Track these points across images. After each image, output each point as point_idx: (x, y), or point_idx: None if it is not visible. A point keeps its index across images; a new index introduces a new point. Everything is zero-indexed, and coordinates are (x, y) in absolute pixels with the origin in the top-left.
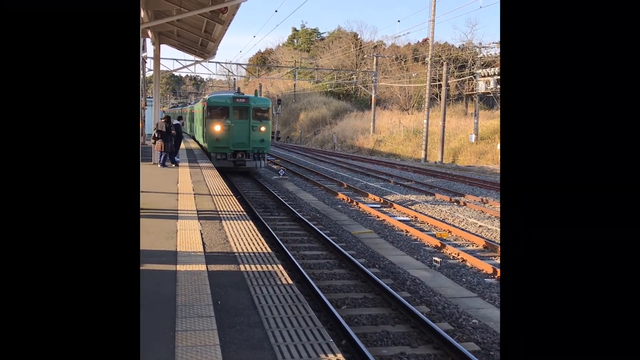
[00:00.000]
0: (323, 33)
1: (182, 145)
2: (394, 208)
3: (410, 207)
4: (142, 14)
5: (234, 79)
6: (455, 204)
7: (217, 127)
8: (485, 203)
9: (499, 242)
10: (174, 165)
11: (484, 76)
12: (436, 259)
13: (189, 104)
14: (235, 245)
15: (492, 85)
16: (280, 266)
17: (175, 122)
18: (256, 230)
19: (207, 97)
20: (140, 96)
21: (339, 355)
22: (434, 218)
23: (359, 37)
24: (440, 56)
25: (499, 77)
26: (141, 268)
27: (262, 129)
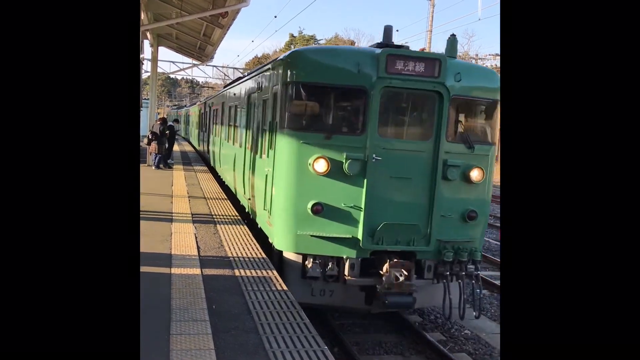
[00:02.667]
0: (320, 40)
1: (176, 148)
2: None
3: None
4: (142, 16)
5: None
6: None
7: (321, 166)
8: None
9: (498, 251)
10: (167, 167)
11: None
12: None
13: (208, 98)
14: (230, 249)
15: None
16: (274, 272)
17: (169, 123)
18: (250, 235)
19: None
20: None
21: None
22: None
23: (356, 44)
24: None
25: None
26: None
27: (475, 174)
